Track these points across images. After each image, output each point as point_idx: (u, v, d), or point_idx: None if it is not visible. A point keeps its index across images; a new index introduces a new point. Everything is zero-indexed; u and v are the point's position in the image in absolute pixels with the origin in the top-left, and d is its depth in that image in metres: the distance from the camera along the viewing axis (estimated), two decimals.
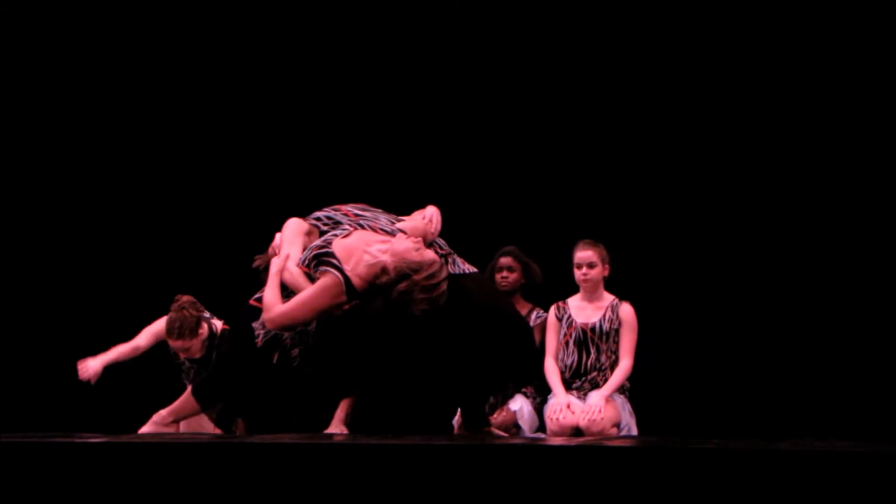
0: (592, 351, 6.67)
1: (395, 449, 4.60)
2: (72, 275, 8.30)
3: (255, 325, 5.84)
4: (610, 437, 6.27)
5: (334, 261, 5.64)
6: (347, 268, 5.64)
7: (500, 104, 8.06)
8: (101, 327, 7.23)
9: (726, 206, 7.78)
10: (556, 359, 6.71)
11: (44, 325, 8.22)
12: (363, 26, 8.20)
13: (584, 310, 6.73)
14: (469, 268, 5.98)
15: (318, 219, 6.03)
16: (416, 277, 5.54)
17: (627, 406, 6.68)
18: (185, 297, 6.75)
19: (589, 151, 7.95)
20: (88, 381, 6.83)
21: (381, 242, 5.70)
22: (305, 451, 4.70)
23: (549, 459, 4.55)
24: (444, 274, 5.62)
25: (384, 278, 5.58)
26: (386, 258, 5.60)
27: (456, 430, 6.44)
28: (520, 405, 6.78)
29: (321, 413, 6.44)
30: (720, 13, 7.82)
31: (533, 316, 6.91)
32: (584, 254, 6.68)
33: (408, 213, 6.10)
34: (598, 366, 6.67)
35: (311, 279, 5.69)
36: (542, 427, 6.72)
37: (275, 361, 5.88)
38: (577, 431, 6.47)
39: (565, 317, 6.73)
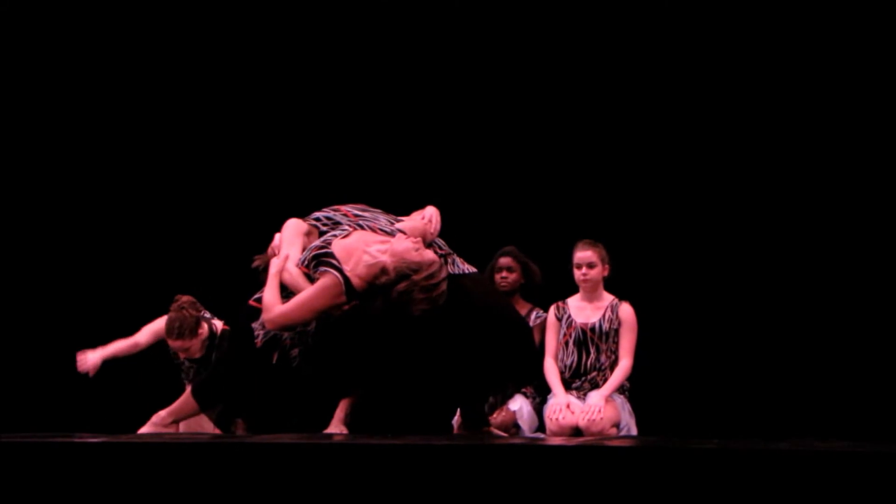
0: (592, 351, 6.67)
1: (394, 449, 4.60)
2: (72, 275, 8.31)
3: (254, 325, 5.84)
4: (609, 437, 6.27)
5: (334, 261, 5.64)
6: (347, 268, 5.64)
7: (500, 104, 8.06)
8: (102, 328, 7.23)
9: (726, 206, 7.78)
10: (556, 359, 6.71)
11: (44, 325, 8.22)
12: (363, 26, 8.20)
13: (583, 310, 6.73)
14: (468, 268, 5.98)
15: (317, 219, 6.03)
16: (415, 278, 5.54)
17: (627, 406, 6.68)
18: (185, 298, 6.76)
19: (588, 152, 7.95)
20: (87, 374, 6.84)
21: (381, 243, 5.70)
22: (305, 451, 4.70)
23: (548, 459, 4.55)
24: (443, 274, 5.62)
25: (384, 278, 5.58)
26: (385, 258, 5.60)
27: (455, 430, 6.44)
28: (519, 405, 6.78)
29: (321, 413, 6.44)
30: (720, 13, 7.82)
31: (532, 316, 6.91)
32: (583, 254, 6.68)
33: (407, 213, 6.10)
34: (597, 366, 6.67)
35: (311, 280, 5.69)
36: (541, 427, 6.72)
37: (274, 362, 5.88)
38: (576, 431, 6.48)
39: (565, 317, 6.73)
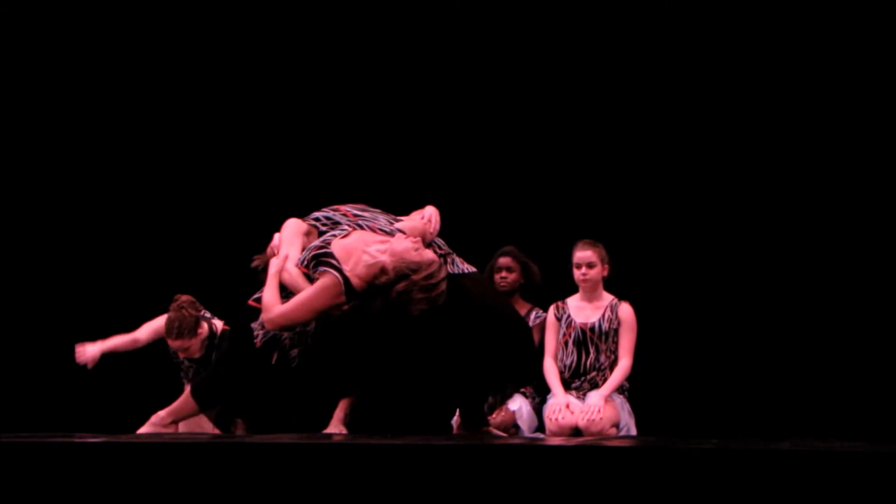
0: (591, 351, 6.67)
1: (393, 449, 4.60)
2: (72, 275, 8.31)
3: (254, 325, 5.84)
4: (609, 437, 6.27)
5: (333, 261, 5.64)
6: (346, 268, 5.64)
7: (500, 104, 8.06)
8: (102, 328, 7.22)
9: (726, 206, 7.78)
10: (555, 359, 6.71)
11: (44, 325, 8.22)
12: (363, 26, 8.20)
13: (583, 310, 6.72)
14: (468, 267, 5.98)
15: (316, 219, 6.03)
16: (414, 277, 5.54)
17: (626, 406, 6.68)
18: (185, 297, 6.76)
19: (588, 152, 7.95)
20: (85, 366, 6.84)
21: (380, 243, 5.70)
22: (304, 451, 4.70)
23: (547, 459, 4.54)
24: (442, 274, 5.62)
25: (383, 278, 5.58)
26: (385, 258, 5.60)
27: (455, 430, 6.44)
28: (519, 405, 6.78)
29: (320, 413, 6.44)
30: (720, 13, 7.82)
31: (532, 316, 6.91)
32: (583, 254, 6.68)
33: (407, 213, 6.10)
34: (597, 366, 6.67)
35: (310, 280, 5.69)
36: (541, 427, 6.72)
37: (274, 362, 5.88)
38: (576, 431, 6.47)
39: (564, 317, 6.73)
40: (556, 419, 6.49)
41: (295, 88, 8.27)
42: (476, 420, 6.06)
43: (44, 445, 4.79)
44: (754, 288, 7.70)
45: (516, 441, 5.58)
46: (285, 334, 5.83)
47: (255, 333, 5.84)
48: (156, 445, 4.84)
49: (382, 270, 5.58)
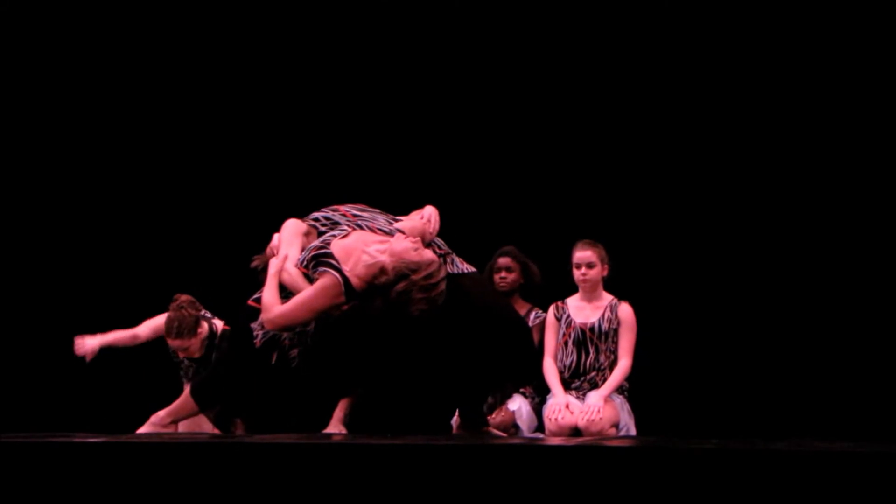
0: (591, 351, 6.67)
1: (393, 449, 4.60)
2: (72, 275, 8.31)
3: (253, 325, 5.84)
4: (608, 438, 6.27)
5: (333, 261, 5.64)
6: (346, 268, 5.63)
7: (499, 104, 8.06)
8: (102, 328, 7.22)
9: (725, 206, 7.77)
10: (555, 359, 6.71)
11: (44, 326, 8.22)
12: (362, 26, 8.20)
13: (582, 310, 6.72)
14: (468, 267, 5.98)
15: (316, 219, 6.03)
16: (414, 277, 5.54)
17: (626, 406, 6.68)
18: (184, 297, 6.76)
19: (588, 152, 7.95)
20: (83, 359, 6.84)
21: (380, 243, 5.70)
22: (304, 451, 4.70)
23: (547, 459, 4.54)
24: (442, 274, 5.61)
25: (383, 278, 5.58)
26: (384, 258, 5.60)
27: (454, 430, 6.44)
28: (518, 405, 6.78)
29: (320, 413, 6.44)
30: (720, 13, 7.82)
31: (532, 316, 6.91)
32: (583, 254, 6.68)
33: (406, 213, 6.10)
34: (596, 366, 6.67)
35: (310, 280, 5.69)
36: (540, 427, 6.72)
37: (273, 362, 5.88)
38: (575, 431, 6.47)
39: (564, 317, 6.73)
40: (556, 419, 6.49)
41: (294, 89, 8.27)
42: (476, 420, 6.06)
43: (44, 445, 4.79)
44: (754, 288, 7.70)
45: (516, 441, 5.58)
46: (285, 334, 5.83)
47: (255, 333, 5.84)
48: (155, 445, 4.84)
49: (382, 270, 5.58)
